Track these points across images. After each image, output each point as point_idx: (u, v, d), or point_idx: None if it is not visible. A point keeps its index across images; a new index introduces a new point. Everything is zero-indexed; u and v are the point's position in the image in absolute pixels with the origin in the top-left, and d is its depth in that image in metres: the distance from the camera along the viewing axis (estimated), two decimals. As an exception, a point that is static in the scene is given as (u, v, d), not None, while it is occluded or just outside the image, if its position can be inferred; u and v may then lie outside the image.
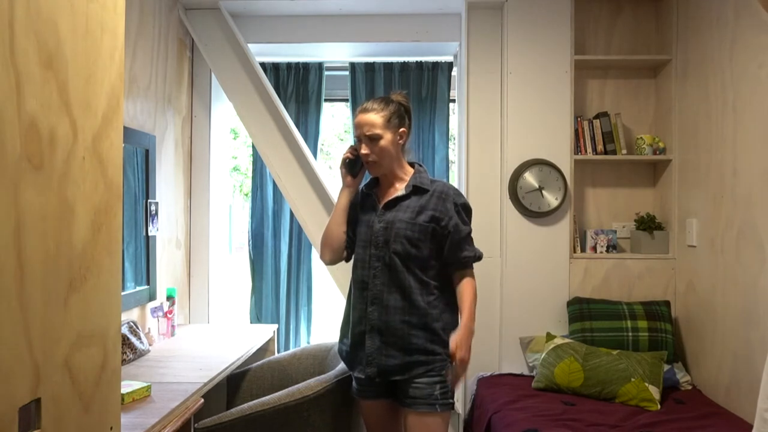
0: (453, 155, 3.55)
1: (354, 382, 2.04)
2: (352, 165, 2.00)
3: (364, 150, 1.91)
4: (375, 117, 1.89)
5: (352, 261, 2.01)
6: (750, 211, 2.31)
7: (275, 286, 3.46)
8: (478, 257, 1.96)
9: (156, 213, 2.83)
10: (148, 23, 2.77)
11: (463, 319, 1.91)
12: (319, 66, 3.46)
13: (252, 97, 3.17)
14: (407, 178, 1.96)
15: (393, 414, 2.00)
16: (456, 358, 1.85)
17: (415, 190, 1.92)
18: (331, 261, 2.04)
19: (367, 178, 2.07)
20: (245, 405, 2.16)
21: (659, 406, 2.42)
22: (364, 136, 1.90)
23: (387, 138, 1.90)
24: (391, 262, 1.87)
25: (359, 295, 1.93)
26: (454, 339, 1.87)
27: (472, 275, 1.96)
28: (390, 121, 1.90)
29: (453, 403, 1.92)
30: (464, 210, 1.95)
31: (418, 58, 3.42)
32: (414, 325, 1.86)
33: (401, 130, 1.94)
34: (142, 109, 2.72)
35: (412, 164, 2.02)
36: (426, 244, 1.88)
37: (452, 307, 1.95)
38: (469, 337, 1.89)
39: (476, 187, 3.01)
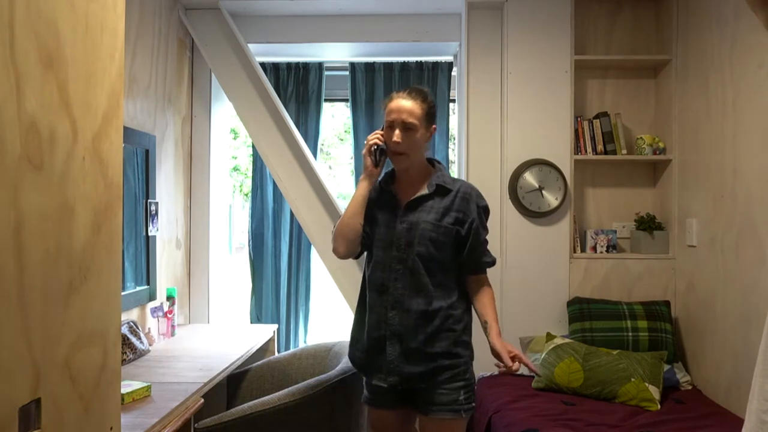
0: (453, 155, 3.55)
1: (367, 390, 1.93)
2: (376, 153, 1.85)
3: (396, 138, 1.78)
4: (415, 107, 1.79)
5: (371, 263, 1.89)
6: (750, 211, 2.31)
7: (275, 286, 3.46)
8: (494, 262, 1.90)
9: (156, 213, 2.83)
10: (148, 23, 2.77)
11: (494, 329, 1.82)
12: (319, 66, 3.46)
13: (252, 97, 3.17)
14: (428, 176, 1.86)
15: (406, 421, 1.94)
16: (516, 359, 1.79)
17: (438, 189, 1.83)
18: (345, 254, 1.90)
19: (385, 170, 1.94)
20: (245, 405, 2.16)
21: (659, 406, 2.42)
22: (400, 122, 1.78)
23: (421, 131, 1.80)
24: (414, 264, 1.78)
25: (377, 298, 1.83)
26: (506, 346, 1.80)
27: (489, 283, 1.90)
28: (427, 115, 1.82)
29: (474, 407, 1.84)
30: (484, 213, 1.88)
31: (418, 58, 3.42)
32: (437, 329, 1.78)
33: (432, 126, 1.85)
34: (142, 109, 2.72)
35: (431, 162, 1.92)
36: (449, 247, 1.81)
37: (470, 308, 1.90)
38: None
39: (476, 187, 3.00)
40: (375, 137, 1.84)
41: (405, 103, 1.78)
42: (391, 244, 1.81)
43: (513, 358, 1.78)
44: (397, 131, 1.78)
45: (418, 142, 1.81)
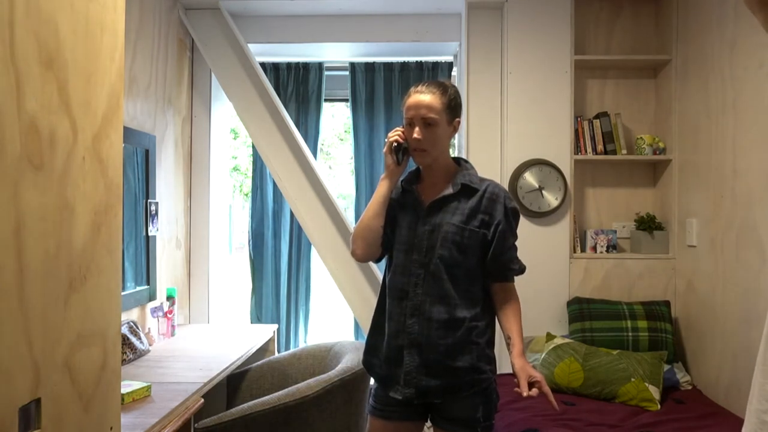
0: (453, 155, 3.54)
1: (374, 400, 1.79)
2: (397, 151, 1.76)
3: (416, 134, 1.68)
4: (434, 100, 1.68)
5: (391, 268, 1.78)
6: (750, 211, 2.31)
7: (275, 286, 3.46)
8: (522, 270, 1.79)
9: (156, 213, 2.83)
10: (148, 23, 2.77)
11: (517, 346, 1.68)
12: (319, 66, 3.46)
13: (252, 97, 3.17)
14: (453, 174, 1.76)
15: None
16: (537, 387, 1.61)
17: (464, 189, 1.72)
18: (364, 257, 1.79)
19: (407, 169, 1.84)
20: (245, 405, 2.16)
21: (659, 406, 2.42)
22: (420, 118, 1.68)
23: (443, 126, 1.70)
24: (436, 269, 1.68)
25: (396, 304, 1.71)
26: (526, 370, 1.63)
27: (517, 296, 1.78)
28: (448, 109, 1.70)
29: (493, 424, 1.72)
30: (513, 215, 1.75)
31: (418, 58, 3.42)
32: (459, 341, 1.66)
33: (456, 120, 1.74)
34: (142, 109, 2.72)
35: (456, 160, 1.82)
36: (474, 252, 1.70)
37: (494, 321, 1.78)
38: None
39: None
40: (395, 135, 1.75)
41: (423, 98, 1.68)
42: (413, 247, 1.71)
43: (532, 385, 1.60)
44: (417, 129, 1.69)
45: (440, 137, 1.71)
